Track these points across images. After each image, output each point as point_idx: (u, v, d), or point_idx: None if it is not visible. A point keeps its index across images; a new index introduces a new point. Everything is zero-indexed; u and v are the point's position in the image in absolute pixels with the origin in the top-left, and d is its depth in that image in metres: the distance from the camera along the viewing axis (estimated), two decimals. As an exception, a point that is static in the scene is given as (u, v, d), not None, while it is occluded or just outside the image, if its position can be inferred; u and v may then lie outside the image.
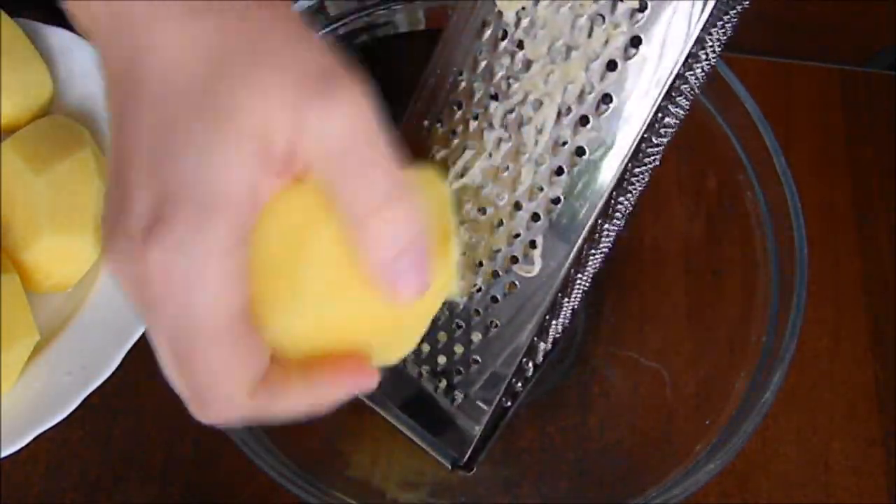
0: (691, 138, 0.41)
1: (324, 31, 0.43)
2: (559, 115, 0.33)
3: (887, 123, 0.57)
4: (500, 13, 0.33)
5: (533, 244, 0.35)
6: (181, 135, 0.26)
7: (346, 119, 0.26)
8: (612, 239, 0.36)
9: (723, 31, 0.32)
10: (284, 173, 0.27)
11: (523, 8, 0.32)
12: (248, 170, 0.26)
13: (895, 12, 0.58)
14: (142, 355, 0.46)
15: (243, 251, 0.26)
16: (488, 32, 0.34)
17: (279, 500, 0.45)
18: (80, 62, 0.53)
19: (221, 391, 0.28)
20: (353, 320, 0.29)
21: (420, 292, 0.28)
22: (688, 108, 0.34)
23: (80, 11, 0.28)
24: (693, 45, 0.31)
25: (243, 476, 0.46)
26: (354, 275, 0.27)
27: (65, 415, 0.44)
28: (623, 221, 0.36)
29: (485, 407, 0.38)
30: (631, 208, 0.35)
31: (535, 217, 0.35)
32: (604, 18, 0.31)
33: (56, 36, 0.54)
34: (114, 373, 0.45)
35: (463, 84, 0.35)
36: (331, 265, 0.27)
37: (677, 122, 0.34)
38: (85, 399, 0.44)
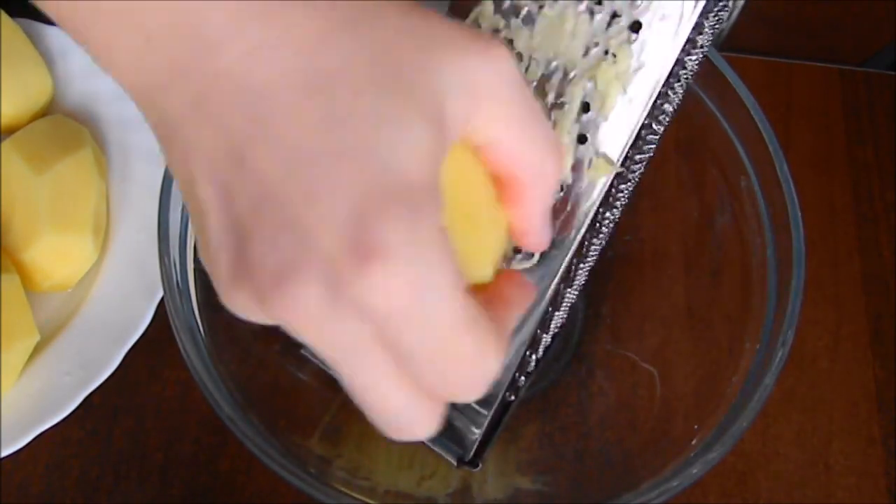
0: (691, 138, 0.41)
1: None
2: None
3: (887, 123, 0.57)
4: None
5: None
6: (360, 128, 0.23)
7: (513, 72, 0.26)
8: (611, 229, 0.36)
9: (716, 17, 0.32)
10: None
11: None
12: (439, 148, 0.24)
13: (895, 12, 0.58)
14: (142, 355, 0.47)
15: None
16: (485, 24, 0.34)
17: (279, 499, 0.45)
18: (80, 62, 0.54)
19: (487, 366, 0.25)
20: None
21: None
22: (682, 96, 0.34)
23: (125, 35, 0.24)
24: (692, 31, 0.31)
25: (243, 476, 0.46)
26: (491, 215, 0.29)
27: (65, 415, 0.44)
28: (620, 211, 0.36)
29: (487, 405, 0.38)
30: (629, 198, 0.35)
31: None
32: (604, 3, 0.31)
33: (56, 36, 0.54)
34: (114, 373, 0.45)
35: None
36: (483, 204, 0.29)
37: (674, 109, 0.34)
38: (85, 399, 0.44)
